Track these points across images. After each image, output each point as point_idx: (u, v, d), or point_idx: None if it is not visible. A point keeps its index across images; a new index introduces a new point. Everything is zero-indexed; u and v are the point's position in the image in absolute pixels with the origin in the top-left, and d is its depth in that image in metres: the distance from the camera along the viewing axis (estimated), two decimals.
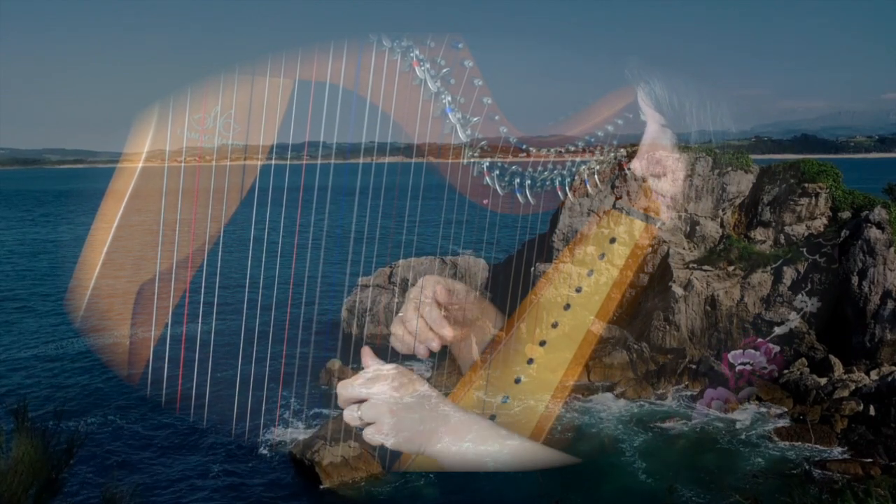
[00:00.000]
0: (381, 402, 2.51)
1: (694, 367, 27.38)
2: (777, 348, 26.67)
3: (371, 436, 2.52)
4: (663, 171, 3.03)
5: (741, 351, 26.34)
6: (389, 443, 2.50)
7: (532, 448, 2.61)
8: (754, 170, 31.78)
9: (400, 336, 2.83)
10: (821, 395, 25.06)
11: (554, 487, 17.21)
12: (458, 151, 2.72)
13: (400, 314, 2.86)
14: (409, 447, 2.52)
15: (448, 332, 2.80)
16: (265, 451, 22.29)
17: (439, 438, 2.46)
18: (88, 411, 25.79)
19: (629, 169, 3.06)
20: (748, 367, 25.15)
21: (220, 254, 2.79)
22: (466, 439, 2.47)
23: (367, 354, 2.64)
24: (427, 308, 2.77)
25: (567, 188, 2.92)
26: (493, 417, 2.74)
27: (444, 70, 2.58)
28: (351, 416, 2.56)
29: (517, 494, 17.74)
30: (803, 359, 27.16)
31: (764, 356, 25.64)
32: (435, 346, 2.79)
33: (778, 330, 27.81)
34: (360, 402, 2.54)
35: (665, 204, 3.12)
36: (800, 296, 28.14)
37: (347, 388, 2.59)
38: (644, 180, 3.12)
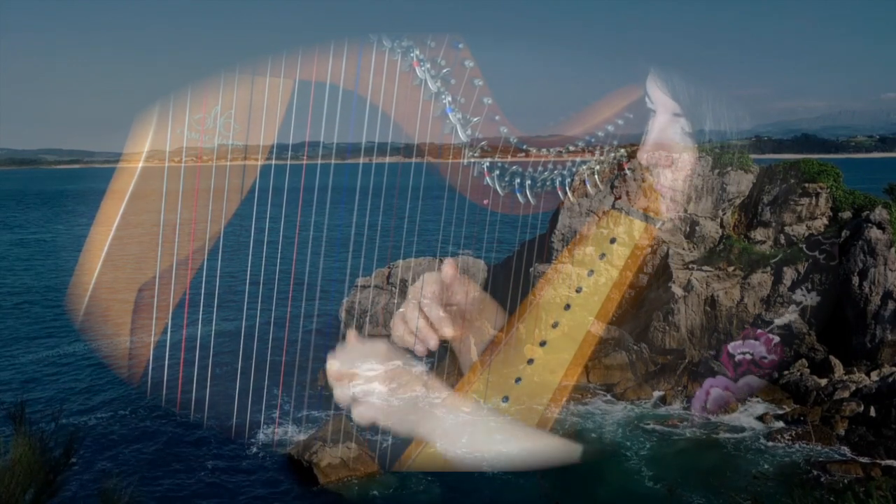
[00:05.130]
0: (373, 377, 2.51)
1: (694, 367, 27.37)
2: (777, 339, 26.69)
3: (362, 414, 2.50)
4: (669, 162, 3.01)
5: (741, 341, 26.42)
6: (381, 421, 2.50)
7: (531, 448, 2.59)
8: (754, 170, 31.79)
9: (400, 335, 2.81)
10: (821, 396, 25.06)
11: (554, 489, 17.20)
12: (458, 152, 2.72)
13: (400, 310, 2.84)
14: (401, 427, 2.51)
15: (448, 331, 2.79)
16: (264, 452, 22.27)
17: (435, 439, 2.46)
18: (88, 412, 25.78)
19: (629, 169, 3.05)
20: (748, 357, 25.18)
21: (220, 254, 2.79)
22: (461, 442, 2.47)
23: (352, 336, 2.65)
24: (428, 306, 2.75)
25: (567, 188, 2.92)
26: (505, 399, 2.73)
27: (445, 70, 2.58)
28: (343, 393, 2.55)
29: (517, 495, 17.73)
30: (804, 360, 27.15)
31: (764, 346, 25.69)
32: (433, 344, 2.77)
33: (777, 321, 27.81)
34: (352, 376, 2.54)
35: (667, 198, 3.10)
36: (798, 290, 28.14)
37: (336, 362, 2.59)
38: (644, 179, 3.10)
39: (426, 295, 2.77)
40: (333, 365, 2.59)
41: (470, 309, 2.87)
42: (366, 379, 2.51)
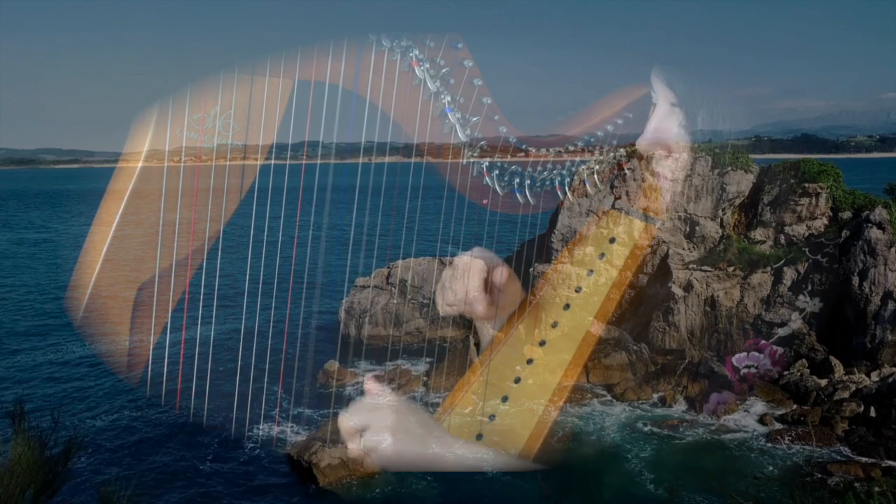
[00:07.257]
0: (382, 428, 2.57)
1: (694, 368, 27.35)
2: (781, 350, 26.55)
3: (372, 463, 2.59)
4: (668, 151, 3.01)
5: (745, 354, 26.16)
6: (390, 467, 2.60)
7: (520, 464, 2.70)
8: (754, 170, 31.76)
9: (441, 303, 2.87)
10: (821, 397, 25.03)
11: (554, 489, 17.19)
12: (457, 151, 2.72)
13: (445, 282, 2.88)
14: (406, 466, 2.60)
15: (481, 310, 2.83)
16: (263, 451, 22.28)
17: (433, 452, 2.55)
18: (88, 412, 25.78)
19: (629, 169, 3.05)
20: (753, 371, 24.97)
21: (219, 254, 2.79)
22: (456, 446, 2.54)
23: (371, 381, 2.69)
24: (473, 280, 2.80)
25: (567, 188, 2.92)
26: (479, 437, 2.77)
27: (444, 70, 2.58)
28: (355, 447, 2.61)
29: (517, 496, 17.72)
30: (804, 360, 27.13)
31: (768, 358, 25.48)
32: (480, 311, 2.83)
33: (780, 331, 27.75)
34: (363, 430, 2.59)
35: (667, 191, 3.10)
36: (801, 296, 28.11)
37: (349, 419, 2.63)
38: (644, 179, 3.10)
39: (475, 269, 2.82)
40: (347, 421, 2.65)
41: (512, 294, 2.93)
42: (376, 430, 2.59)
